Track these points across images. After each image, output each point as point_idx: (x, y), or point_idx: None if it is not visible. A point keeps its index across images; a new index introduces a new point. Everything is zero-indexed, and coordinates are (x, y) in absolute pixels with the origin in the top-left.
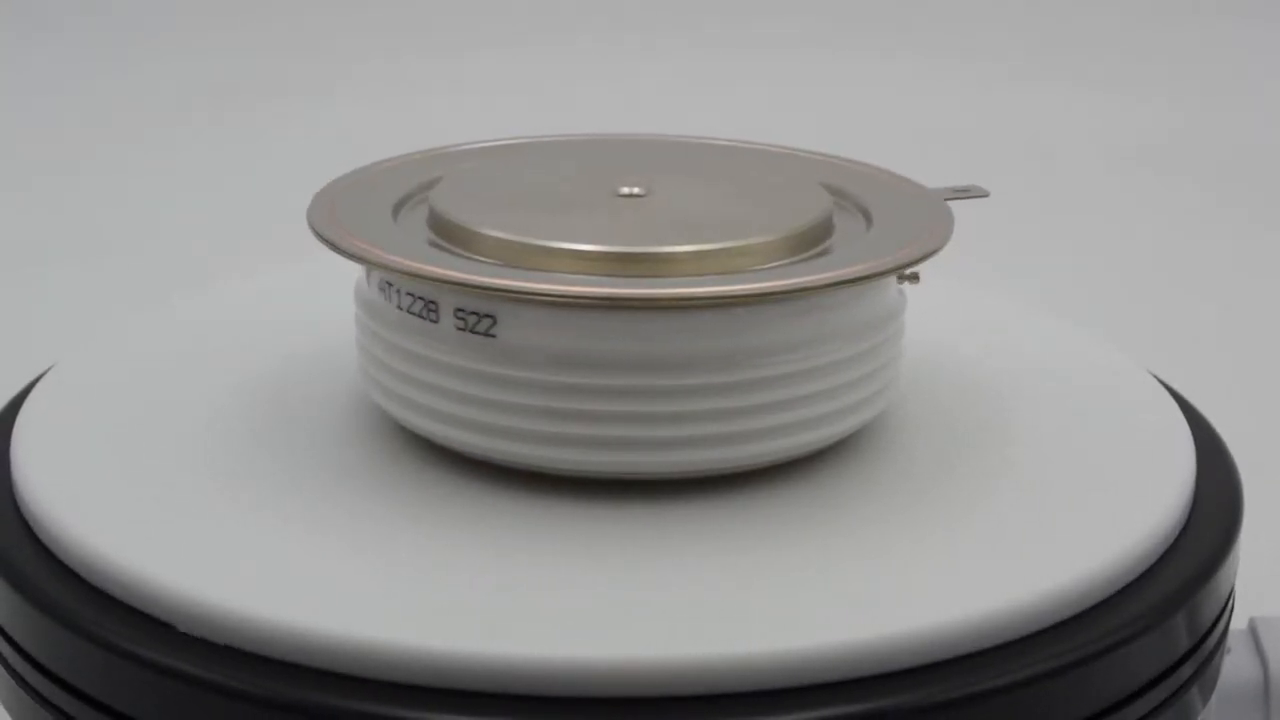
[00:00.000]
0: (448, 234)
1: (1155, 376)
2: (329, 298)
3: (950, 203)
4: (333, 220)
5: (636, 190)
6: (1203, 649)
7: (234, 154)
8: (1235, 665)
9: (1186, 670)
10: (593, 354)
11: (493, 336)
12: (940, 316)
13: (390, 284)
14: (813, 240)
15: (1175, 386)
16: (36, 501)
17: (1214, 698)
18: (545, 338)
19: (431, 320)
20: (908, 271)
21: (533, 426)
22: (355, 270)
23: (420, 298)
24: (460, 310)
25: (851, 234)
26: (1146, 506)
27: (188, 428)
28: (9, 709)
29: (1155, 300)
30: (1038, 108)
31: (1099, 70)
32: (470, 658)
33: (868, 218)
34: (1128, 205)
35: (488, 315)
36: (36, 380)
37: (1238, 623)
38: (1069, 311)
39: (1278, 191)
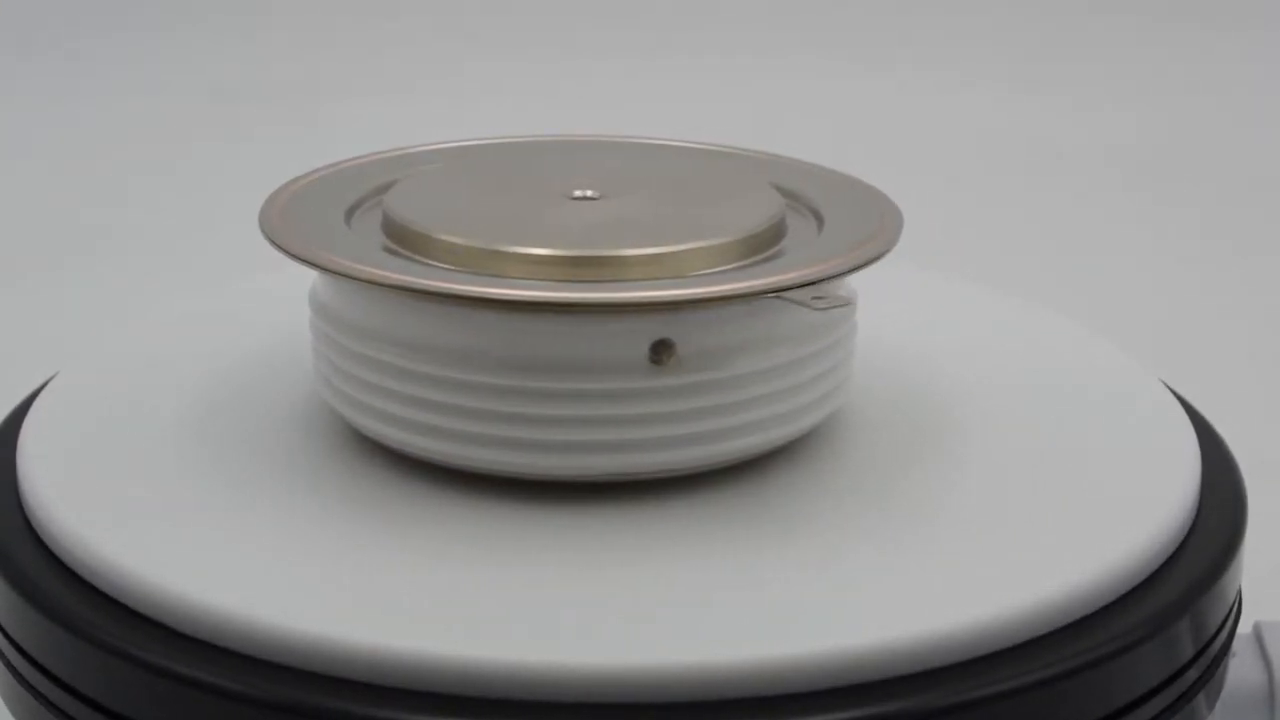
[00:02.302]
0: (400, 238)
1: (1158, 379)
2: None
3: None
4: (283, 223)
5: (590, 193)
6: (1208, 654)
7: (234, 154)
8: (1240, 670)
9: (1191, 675)
10: (543, 357)
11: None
12: (941, 316)
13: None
14: (765, 243)
15: (1177, 389)
16: (42, 506)
17: (1219, 703)
18: (493, 341)
19: None
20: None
21: (491, 431)
22: None
23: None
24: None
25: (804, 236)
26: (1150, 510)
27: (191, 432)
28: (11, 709)
29: (1156, 303)
30: (1035, 109)
31: (1097, 72)
32: (462, 661)
33: (819, 220)
34: (1126, 207)
35: None
36: (43, 386)
37: (1242, 627)
38: (1068, 313)
39: (1275, 192)
